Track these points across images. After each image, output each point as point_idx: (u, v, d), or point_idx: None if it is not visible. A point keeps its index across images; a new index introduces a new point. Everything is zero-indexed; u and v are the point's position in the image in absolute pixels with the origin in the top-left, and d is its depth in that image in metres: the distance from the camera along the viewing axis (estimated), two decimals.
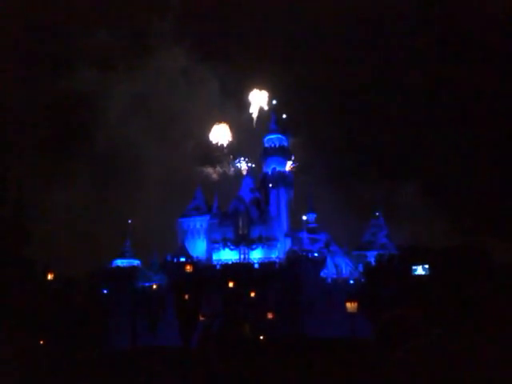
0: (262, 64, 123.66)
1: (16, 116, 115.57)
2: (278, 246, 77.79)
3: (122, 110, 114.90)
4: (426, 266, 57.51)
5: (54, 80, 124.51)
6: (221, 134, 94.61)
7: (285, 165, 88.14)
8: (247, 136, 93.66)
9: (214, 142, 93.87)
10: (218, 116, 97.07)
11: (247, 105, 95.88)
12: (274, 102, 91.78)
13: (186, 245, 79.40)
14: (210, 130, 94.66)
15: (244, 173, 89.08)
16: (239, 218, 79.84)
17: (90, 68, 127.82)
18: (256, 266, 72.34)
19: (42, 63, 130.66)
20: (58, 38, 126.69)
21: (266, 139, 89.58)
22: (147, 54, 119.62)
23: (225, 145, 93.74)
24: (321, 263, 71.58)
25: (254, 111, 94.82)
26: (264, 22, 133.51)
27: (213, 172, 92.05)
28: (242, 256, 77.18)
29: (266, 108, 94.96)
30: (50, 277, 43.65)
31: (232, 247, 77.94)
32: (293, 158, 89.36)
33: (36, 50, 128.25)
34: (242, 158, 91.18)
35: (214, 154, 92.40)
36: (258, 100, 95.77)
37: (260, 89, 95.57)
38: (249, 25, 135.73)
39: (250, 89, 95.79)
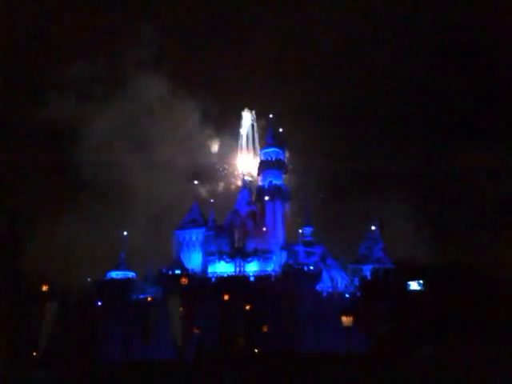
0: (247, 84, 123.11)
1: None
2: (274, 259, 77.60)
3: (104, 136, 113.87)
4: (421, 282, 57.56)
5: (31, 109, 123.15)
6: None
7: (281, 178, 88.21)
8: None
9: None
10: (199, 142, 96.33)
11: (231, 130, 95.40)
12: (271, 115, 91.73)
13: (182, 257, 79.08)
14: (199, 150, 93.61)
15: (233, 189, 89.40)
16: (235, 230, 79.73)
17: (68, 96, 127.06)
18: (251, 278, 72.14)
19: (18, 92, 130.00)
20: (33, 66, 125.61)
21: (262, 152, 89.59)
22: (125, 82, 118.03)
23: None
24: (316, 277, 71.38)
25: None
26: (245, 41, 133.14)
27: (204, 190, 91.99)
28: (238, 269, 76.94)
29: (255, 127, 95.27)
30: (44, 288, 43.70)
31: (227, 260, 77.73)
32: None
33: (12, 78, 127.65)
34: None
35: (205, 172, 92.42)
36: (247, 120, 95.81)
37: (248, 109, 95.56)
38: (229, 46, 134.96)
39: (233, 112, 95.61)
